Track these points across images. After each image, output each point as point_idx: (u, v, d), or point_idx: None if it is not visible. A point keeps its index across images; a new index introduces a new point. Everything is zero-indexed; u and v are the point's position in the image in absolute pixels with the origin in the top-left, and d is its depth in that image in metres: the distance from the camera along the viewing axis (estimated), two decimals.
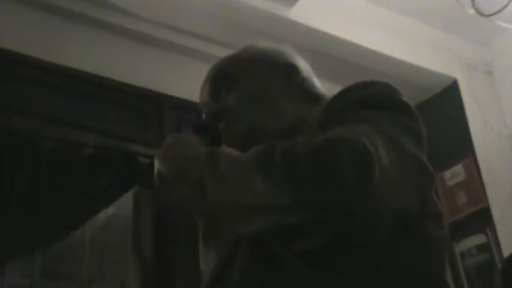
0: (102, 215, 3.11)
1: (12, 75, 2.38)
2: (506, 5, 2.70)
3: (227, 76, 1.26)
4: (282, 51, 1.31)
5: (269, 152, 0.93)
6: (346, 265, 0.93)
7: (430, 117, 3.14)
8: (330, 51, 3.00)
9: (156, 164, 1.08)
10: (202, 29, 2.85)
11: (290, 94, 1.22)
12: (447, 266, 1.05)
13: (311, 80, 1.28)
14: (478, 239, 3.00)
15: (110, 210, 3.04)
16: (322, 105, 1.11)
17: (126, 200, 2.72)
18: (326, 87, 1.32)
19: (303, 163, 0.89)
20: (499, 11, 2.72)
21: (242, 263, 1.02)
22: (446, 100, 3.38)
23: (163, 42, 2.81)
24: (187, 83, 2.79)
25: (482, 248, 2.98)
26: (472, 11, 2.74)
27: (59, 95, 2.45)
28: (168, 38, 2.81)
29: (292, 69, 1.26)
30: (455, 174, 3.17)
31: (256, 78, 1.24)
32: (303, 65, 1.30)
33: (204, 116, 1.26)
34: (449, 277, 1.06)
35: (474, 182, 3.10)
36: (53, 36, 2.56)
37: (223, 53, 2.85)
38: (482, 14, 2.73)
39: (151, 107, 2.68)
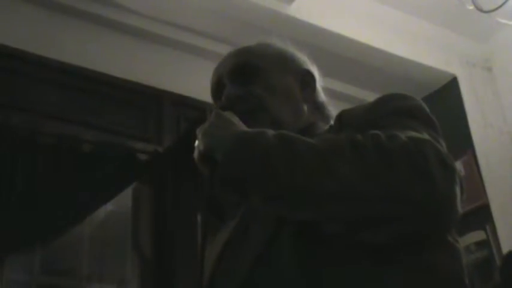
0: (102, 211, 3.11)
1: (10, 71, 2.37)
2: (506, 1, 2.70)
3: (253, 64, 1.25)
4: (303, 58, 1.34)
5: (359, 143, 0.93)
6: (404, 262, 0.95)
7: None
8: (329, 47, 3.00)
9: (204, 139, 1.04)
10: (201, 25, 2.85)
11: (305, 99, 1.25)
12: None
13: (321, 94, 1.31)
14: (477, 236, 3.00)
15: (109, 206, 3.04)
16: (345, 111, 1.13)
17: (125, 196, 2.72)
18: (326, 82, 1.35)
19: (396, 157, 0.90)
20: (499, 7, 2.72)
21: (291, 247, 0.98)
22: (446, 96, 3.38)
23: (163, 38, 2.81)
24: (186, 79, 2.79)
25: (482, 244, 2.98)
26: (471, 7, 2.74)
27: (58, 91, 2.45)
28: (167, 34, 2.81)
29: (310, 78, 1.30)
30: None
31: (281, 75, 1.26)
32: (315, 72, 1.33)
33: (224, 97, 1.22)
34: None
35: (473, 178, 3.10)
36: (52, 32, 2.55)
37: (222, 49, 2.86)
38: (481, 10, 2.73)
39: (151, 103, 2.67)
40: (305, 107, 1.24)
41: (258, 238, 1.04)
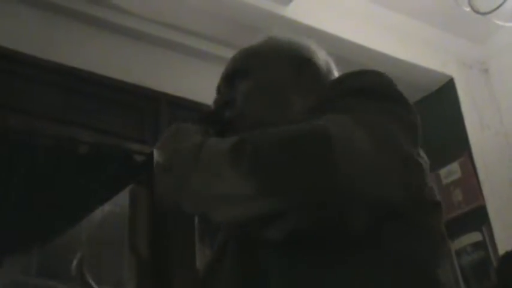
0: (99, 213, 3.10)
1: (7, 73, 2.37)
2: (503, 3, 2.70)
3: (241, 66, 1.25)
4: (300, 44, 1.31)
5: (240, 142, 0.94)
6: (324, 255, 0.94)
7: (426, 116, 3.12)
8: (325, 48, 2.99)
9: (154, 154, 1.09)
10: (198, 27, 2.85)
11: (301, 88, 1.21)
12: (443, 258, 1.03)
13: (327, 75, 1.27)
14: (474, 237, 3.01)
15: (106, 207, 3.04)
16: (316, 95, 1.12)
17: (123, 198, 2.72)
18: None
19: (267, 153, 0.91)
20: (495, 9, 2.72)
21: (231, 255, 1.03)
22: (442, 98, 3.38)
23: (160, 40, 2.81)
24: (184, 81, 2.80)
25: (478, 246, 2.99)
26: (468, 9, 2.74)
27: (55, 93, 2.45)
28: (165, 36, 2.81)
29: (305, 63, 1.25)
30: (451, 172, 3.18)
31: (268, 71, 1.23)
32: (320, 59, 1.29)
33: (213, 104, 1.26)
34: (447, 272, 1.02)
35: (470, 180, 3.11)
36: (50, 33, 2.55)
37: (219, 51, 2.87)
38: (478, 12, 2.74)
39: (148, 105, 2.67)
40: (298, 99, 1.19)
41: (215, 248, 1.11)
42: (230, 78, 1.26)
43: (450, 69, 3.40)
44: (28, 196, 2.76)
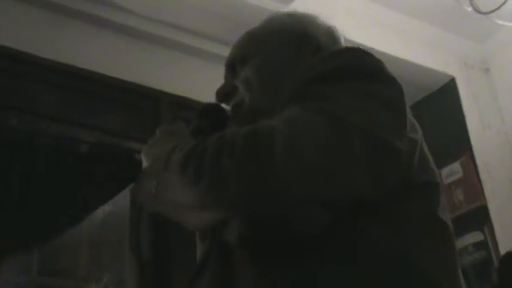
0: (100, 212, 3.10)
1: (8, 72, 2.37)
2: (504, 3, 2.70)
3: (240, 53, 1.22)
4: (300, 20, 1.25)
5: (190, 149, 0.93)
6: (290, 261, 0.89)
7: (428, 115, 3.16)
8: None
9: (143, 158, 1.11)
10: (200, 26, 2.85)
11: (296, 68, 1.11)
12: (437, 245, 0.96)
13: (330, 45, 1.21)
14: (475, 237, 3.00)
15: (107, 207, 3.04)
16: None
17: (123, 198, 2.72)
18: None
19: (208, 161, 0.89)
20: (497, 8, 2.72)
21: (213, 262, 1.01)
22: (444, 98, 3.38)
23: (161, 39, 2.81)
24: (184, 80, 2.79)
25: (480, 245, 2.98)
26: (469, 9, 2.74)
27: (56, 92, 2.44)
28: (166, 35, 2.81)
29: (303, 39, 1.19)
30: (452, 172, 3.17)
31: (266, 54, 1.19)
32: (319, 31, 1.23)
33: (215, 94, 1.22)
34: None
35: (471, 179, 3.10)
36: (50, 32, 2.55)
37: (220, 50, 2.86)
38: (479, 12, 2.73)
39: (149, 104, 2.67)
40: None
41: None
42: (232, 66, 1.23)
43: (451, 68, 3.39)
44: (29, 195, 2.76)
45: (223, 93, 1.20)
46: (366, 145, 0.88)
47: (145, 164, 1.07)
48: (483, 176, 3.12)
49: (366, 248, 0.89)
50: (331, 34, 1.25)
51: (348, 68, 0.99)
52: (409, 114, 1.01)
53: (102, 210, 3.08)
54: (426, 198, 1.00)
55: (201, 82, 2.69)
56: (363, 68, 1.00)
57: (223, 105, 1.21)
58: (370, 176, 0.89)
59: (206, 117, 1.19)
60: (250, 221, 0.87)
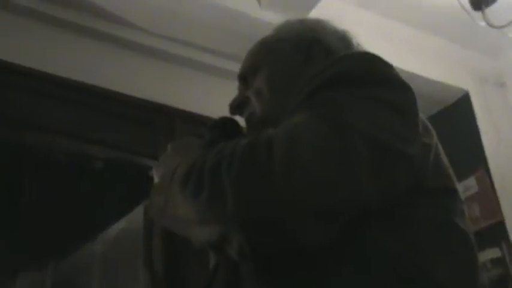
0: (113, 229, 3.10)
1: (24, 90, 2.39)
2: None
3: (251, 63, 1.21)
4: (311, 26, 1.22)
5: (193, 163, 0.93)
6: (293, 275, 0.87)
7: (442, 130, 3.11)
8: None
9: (154, 173, 1.10)
10: (212, 43, 2.85)
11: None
12: (450, 253, 0.92)
13: (343, 49, 1.19)
14: (493, 253, 2.97)
15: (121, 224, 3.04)
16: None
17: (137, 214, 2.72)
18: None
19: (207, 175, 0.87)
20: (510, 23, 2.71)
21: (220, 276, 1.01)
22: (458, 112, 3.36)
23: (174, 56, 2.82)
24: (197, 97, 2.80)
25: (497, 262, 2.95)
26: (482, 23, 2.73)
27: (70, 109, 2.46)
28: (178, 52, 2.82)
29: (314, 45, 1.17)
30: (468, 187, 3.14)
31: (276, 62, 1.17)
32: (331, 36, 1.20)
33: (229, 107, 1.22)
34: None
35: (487, 195, 3.08)
36: (66, 51, 2.57)
37: (233, 66, 2.86)
38: (492, 26, 2.72)
39: (162, 121, 2.68)
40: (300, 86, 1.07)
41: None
42: (244, 77, 1.22)
43: (465, 83, 3.38)
44: (44, 211, 2.77)
45: (236, 106, 1.20)
46: (372, 151, 0.85)
47: (155, 179, 1.07)
48: (499, 191, 3.09)
49: (378, 258, 0.86)
50: (343, 38, 1.23)
51: (356, 73, 0.96)
52: (423, 118, 1.00)
53: (116, 227, 3.08)
54: (442, 204, 0.97)
55: (214, 98, 2.69)
56: (371, 72, 0.98)
57: (238, 117, 1.21)
58: (378, 183, 0.86)
59: (219, 130, 1.18)
60: (249, 235, 0.84)
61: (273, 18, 2.77)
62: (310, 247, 0.85)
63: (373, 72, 0.98)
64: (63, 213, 2.80)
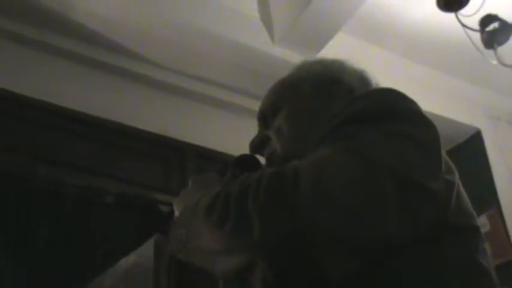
0: (123, 263, 3.09)
1: (37, 123, 2.41)
2: None
3: (271, 102, 1.22)
4: (330, 65, 1.24)
5: (216, 195, 0.93)
6: None
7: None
8: None
9: (174, 208, 1.12)
10: (224, 79, 2.88)
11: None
12: None
13: (362, 88, 1.19)
14: None
15: (131, 258, 3.03)
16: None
17: (148, 248, 2.71)
18: None
19: (233, 205, 0.88)
20: None
21: None
22: (470, 150, 3.36)
23: (186, 91, 2.84)
24: (209, 131, 2.81)
25: None
26: (494, 62, 2.74)
27: (82, 143, 2.48)
28: (190, 87, 2.84)
29: (334, 84, 1.18)
30: (479, 225, 3.12)
31: (296, 102, 1.18)
32: (350, 75, 1.21)
33: (249, 146, 1.22)
34: None
35: (499, 233, 3.05)
36: (79, 84, 2.60)
37: (245, 102, 2.88)
38: (504, 65, 2.73)
39: (173, 155, 2.69)
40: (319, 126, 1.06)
41: None
42: (263, 117, 1.23)
43: (477, 121, 3.38)
44: (54, 244, 2.77)
45: (256, 145, 1.20)
46: (398, 186, 0.85)
47: (176, 213, 1.08)
48: (511, 229, 3.06)
49: None
50: (361, 77, 1.23)
51: (379, 109, 0.97)
52: (445, 156, 1.00)
53: (126, 262, 3.07)
54: (464, 241, 0.97)
55: (225, 134, 2.71)
56: (394, 108, 0.98)
57: (258, 156, 1.21)
58: (402, 218, 0.85)
59: (240, 167, 1.18)
60: (274, 263, 0.85)
61: (286, 54, 2.79)
62: (333, 278, 0.84)
63: (396, 108, 0.98)
64: (74, 246, 2.80)
